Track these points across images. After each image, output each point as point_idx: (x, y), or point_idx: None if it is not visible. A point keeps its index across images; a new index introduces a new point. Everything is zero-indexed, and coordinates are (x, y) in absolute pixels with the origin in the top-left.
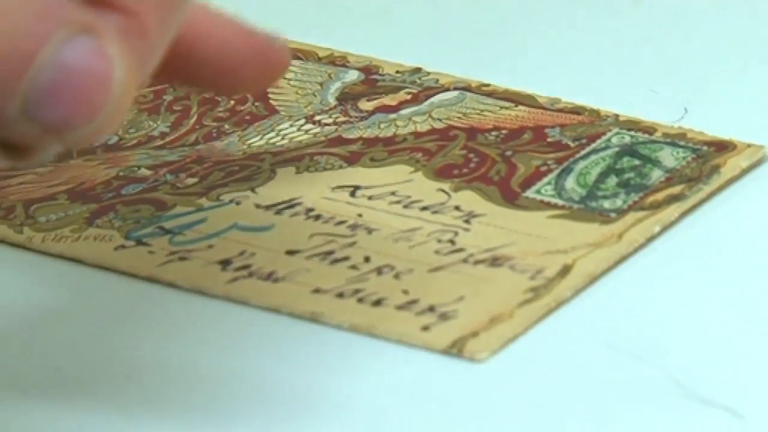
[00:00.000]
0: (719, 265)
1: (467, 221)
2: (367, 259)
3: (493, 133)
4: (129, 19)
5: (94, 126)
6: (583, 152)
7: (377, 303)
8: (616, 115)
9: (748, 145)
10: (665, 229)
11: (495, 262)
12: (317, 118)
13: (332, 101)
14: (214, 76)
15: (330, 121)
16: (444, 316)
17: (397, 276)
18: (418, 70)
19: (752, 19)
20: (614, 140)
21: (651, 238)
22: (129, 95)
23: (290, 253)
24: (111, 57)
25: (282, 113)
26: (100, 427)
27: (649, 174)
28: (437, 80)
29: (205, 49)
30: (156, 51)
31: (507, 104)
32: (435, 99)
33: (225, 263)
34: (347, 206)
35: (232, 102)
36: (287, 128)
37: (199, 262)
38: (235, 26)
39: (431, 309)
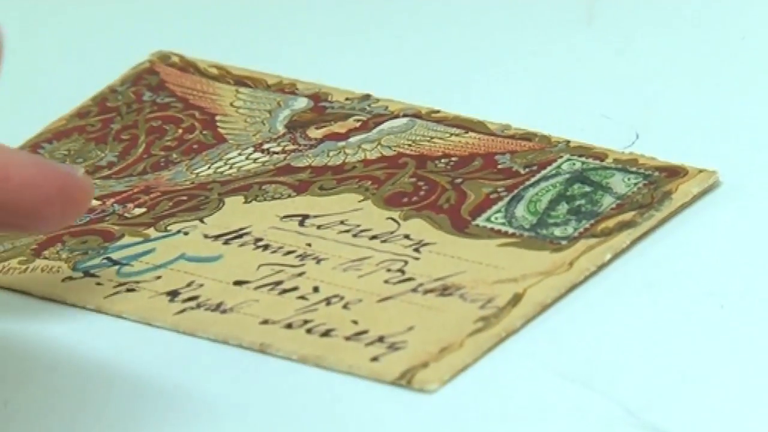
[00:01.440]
0: (671, 293)
1: (417, 250)
2: (316, 289)
3: (443, 160)
4: None
5: None
6: (533, 179)
7: (326, 334)
8: (567, 141)
9: (700, 171)
10: (616, 256)
11: (445, 291)
12: (266, 146)
13: (281, 129)
14: (15, 219)
15: (279, 149)
16: (393, 347)
17: (346, 306)
18: (367, 96)
19: (705, 44)
20: (565, 167)
21: (602, 266)
22: None
23: (238, 283)
24: None
25: (230, 142)
26: None
27: (600, 201)
28: (387, 107)
29: (4, 192)
30: None
31: (457, 131)
32: (384, 126)
33: (173, 294)
34: (296, 236)
35: (180, 131)
36: (235, 157)
37: (146, 294)
38: (34, 164)
39: (380, 339)
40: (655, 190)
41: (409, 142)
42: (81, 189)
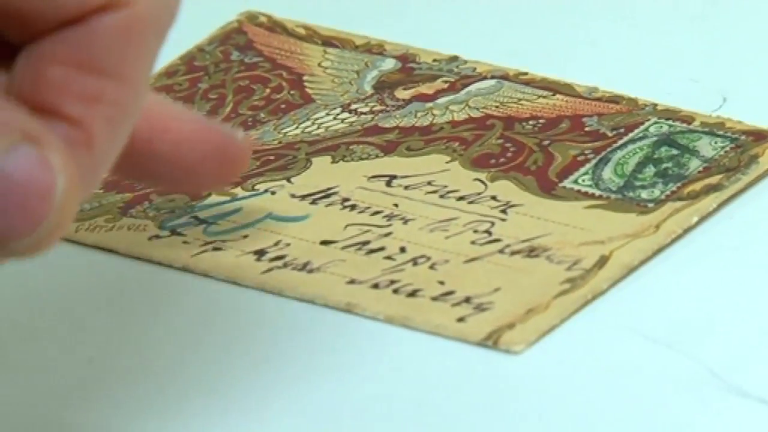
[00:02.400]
0: (758, 256)
1: (504, 211)
2: (402, 250)
3: (531, 122)
4: (75, 129)
5: (34, 238)
6: (620, 142)
7: (412, 294)
8: (655, 105)
9: None
10: (703, 219)
11: (531, 252)
12: (353, 106)
13: (369, 90)
14: (172, 174)
15: (366, 109)
16: (480, 308)
17: (432, 267)
18: (455, 58)
19: None
20: (652, 130)
21: (688, 229)
22: (72, 208)
23: (325, 243)
24: (54, 168)
25: (318, 102)
26: (135, 416)
27: (687, 164)
28: (474, 69)
29: (161, 145)
30: (103, 163)
31: (545, 93)
32: (472, 88)
33: (259, 253)
34: (383, 196)
35: (268, 90)
36: (323, 117)
37: (233, 253)
38: (194, 121)
39: (467, 300)
40: (742, 153)
41: (497, 104)
42: (239, 150)
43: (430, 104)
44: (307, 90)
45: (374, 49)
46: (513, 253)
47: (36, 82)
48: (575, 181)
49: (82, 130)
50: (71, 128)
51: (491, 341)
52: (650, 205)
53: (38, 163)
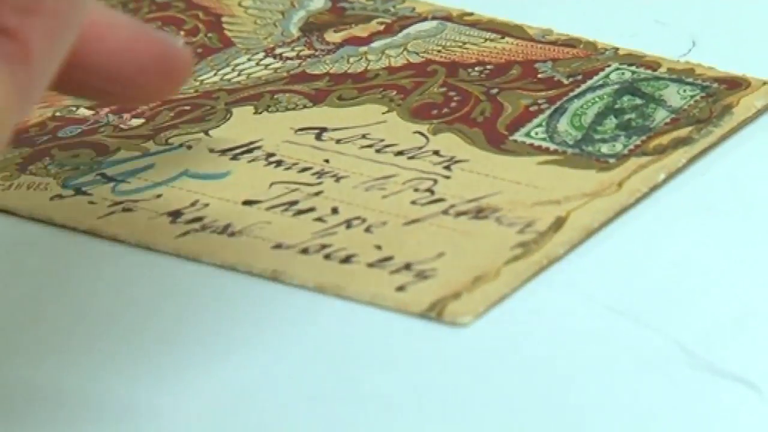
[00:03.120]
0: (731, 218)
1: (448, 168)
2: (334, 211)
3: (477, 68)
4: (10, 42)
5: None
6: (578, 90)
7: (346, 260)
8: (616, 49)
9: (764, 83)
10: (671, 176)
11: (479, 214)
12: (278, 51)
13: (295, 32)
14: (107, 85)
15: (293, 54)
16: (421, 275)
17: (368, 229)
18: None
19: None
20: (613, 76)
21: (655, 187)
22: (7, 126)
23: (248, 203)
24: None
25: (239, 46)
26: (38, 384)
27: (653, 114)
28: (413, 8)
29: (96, 54)
30: (41, 78)
31: (492, 36)
32: (411, 30)
33: (175, 215)
34: (312, 151)
35: (182, 33)
36: (244, 63)
37: (145, 214)
38: (132, 28)
39: (407, 267)
40: (714, 103)
41: (439, 48)
42: (178, 59)
43: (364, 48)
44: (226, 32)
45: None
46: (458, 214)
47: None
48: (527, 134)
49: (18, 43)
50: (6, 41)
51: (434, 312)
52: (612, 160)
53: None
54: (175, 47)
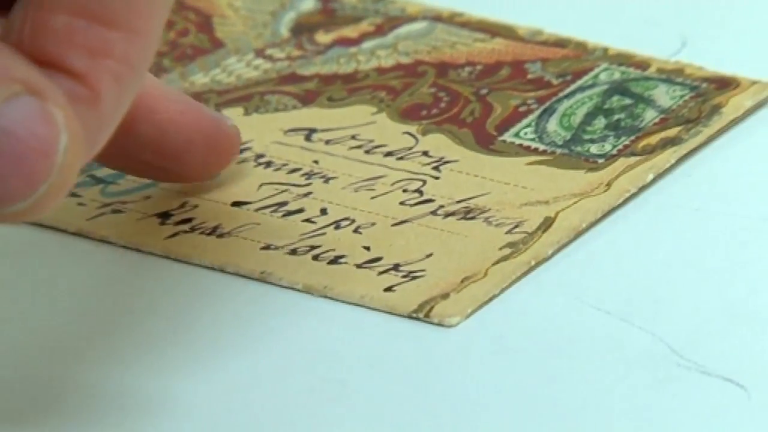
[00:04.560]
0: (720, 218)
1: (437, 168)
2: (323, 212)
3: (467, 68)
4: (80, 84)
5: (32, 201)
6: (567, 90)
7: (334, 261)
8: (605, 49)
9: (753, 82)
10: (659, 176)
11: (468, 214)
12: (268, 52)
13: (285, 33)
14: (155, 158)
15: (282, 55)
16: (410, 276)
17: (357, 230)
18: None
19: None
20: (603, 76)
21: (643, 188)
22: (74, 169)
23: (237, 204)
24: (57, 123)
25: (228, 46)
26: (24, 398)
27: (642, 114)
28: (403, 9)
29: (147, 124)
30: (108, 122)
31: (482, 36)
32: (401, 30)
33: (164, 216)
34: (302, 151)
35: (172, 34)
36: (234, 64)
37: (134, 215)
38: (183, 102)
39: (395, 267)
40: (703, 103)
41: (429, 48)
42: (227, 137)
43: (353, 49)
44: (217, 33)
45: None
46: (447, 214)
47: (37, 31)
48: (516, 135)
49: (87, 86)
50: (76, 83)
51: (422, 313)
52: (600, 160)
53: (40, 117)
54: (224, 125)
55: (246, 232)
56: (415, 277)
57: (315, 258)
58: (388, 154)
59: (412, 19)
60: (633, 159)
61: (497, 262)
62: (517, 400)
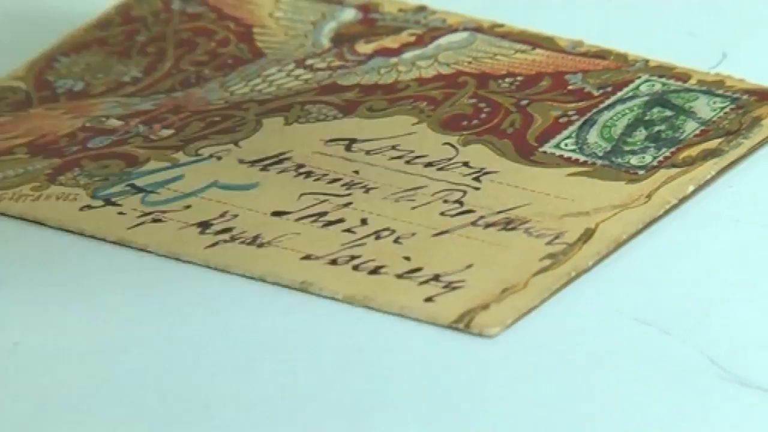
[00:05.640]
0: (761, 230)
1: (477, 179)
2: (363, 222)
3: (507, 79)
4: None
5: None
6: (608, 102)
7: (375, 271)
8: (646, 60)
9: None
10: (700, 188)
11: (508, 225)
12: (309, 62)
13: (326, 43)
14: None
15: (323, 65)
16: (450, 286)
17: (397, 240)
18: (422, 8)
19: None
20: (643, 88)
21: (684, 199)
22: None
23: (277, 214)
24: None
25: (269, 57)
26: (63, 404)
27: (683, 126)
28: (444, 20)
29: None
30: None
31: (523, 47)
32: (442, 41)
33: (204, 225)
34: (342, 162)
35: (213, 44)
36: (275, 74)
37: (174, 225)
38: None
39: (436, 278)
40: (744, 115)
41: (470, 59)
42: None
43: (394, 59)
44: (257, 43)
45: None
46: (487, 225)
47: None
48: (557, 146)
49: None
50: None
51: (463, 323)
52: (641, 172)
53: None
54: None
55: (286, 242)
56: (455, 288)
57: (355, 268)
58: (429, 164)
59: (452, 29)
60: (673, 171)
61: (537, 273)
62: (557, 411)
